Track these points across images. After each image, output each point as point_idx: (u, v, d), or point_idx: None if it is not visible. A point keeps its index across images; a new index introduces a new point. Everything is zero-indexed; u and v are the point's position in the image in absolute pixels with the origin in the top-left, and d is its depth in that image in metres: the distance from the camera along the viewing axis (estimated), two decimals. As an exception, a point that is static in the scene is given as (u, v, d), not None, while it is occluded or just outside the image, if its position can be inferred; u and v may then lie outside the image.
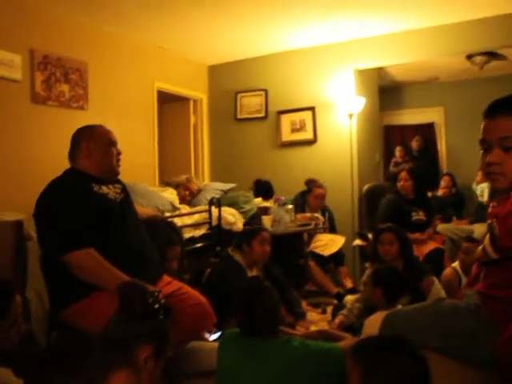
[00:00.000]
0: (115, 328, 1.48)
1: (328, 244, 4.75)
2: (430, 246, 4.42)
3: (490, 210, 1.72)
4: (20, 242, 2.69)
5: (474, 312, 1.65)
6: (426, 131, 8.18)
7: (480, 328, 1.61)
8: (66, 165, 2.62)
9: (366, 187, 5.42)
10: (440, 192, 6.87)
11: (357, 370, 1.34)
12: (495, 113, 1.54)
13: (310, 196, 4.98)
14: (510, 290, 1.57)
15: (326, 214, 5.06)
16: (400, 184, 4.68)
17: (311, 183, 5.03)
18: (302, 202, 4.90)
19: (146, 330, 1.48)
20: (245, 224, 4.11)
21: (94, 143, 2.53)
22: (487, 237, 1.66)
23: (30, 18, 4.03)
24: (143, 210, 3.12)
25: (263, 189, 4.97)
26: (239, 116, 6.01)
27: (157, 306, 1.54)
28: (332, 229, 5.05)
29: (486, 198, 5.93)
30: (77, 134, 2.60)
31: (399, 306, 2.58)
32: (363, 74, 5.65)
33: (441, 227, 5.23)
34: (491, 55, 6.04)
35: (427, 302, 1.95)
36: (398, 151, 7.87)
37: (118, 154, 2.62)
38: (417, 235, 4.39)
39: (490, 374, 1.60)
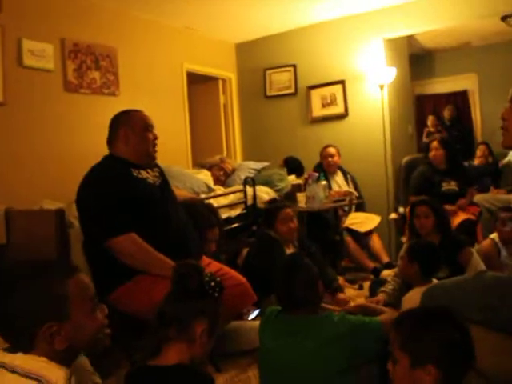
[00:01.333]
0: (171, 305, 1.55)
1: (364, 222, 4.74)
2: (461, 216, 4.35)
3: None
4: (62, 230, 2.76)
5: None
6: (460, 99, 7.98)
7: None
8: (101, 151, 2.67)
9: (405, 159, 5.36)
10: (476, 161, 6.71)
11: (398, 340, 1.35)
12: None
13: (323, 161, 5.00)
14: None
15: (349, 177, 5.04)
16: (432, 154, 4.62)
17: (322, 149, 5.05)
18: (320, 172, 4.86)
19: (201, 306, 1.55)
20: (269, 202, 4.08)
21: (131, 129, 2.57)
22: None
23: (58, 6, 4.07)
24: (180, 192, 3.17)
25: (293, 166, 4.97)
26: (269, 93, 5.98)
27: (213, 283, 1.60)
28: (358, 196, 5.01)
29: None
30: (115, 120, 2.63)
31: (434, 281, 2.57)
32: (393, 44, 5.53)
33: (478, 197, 5.12)
34: (527, 16, 5.82)
35: (468, 275, 1.93)
36: (429, 120, 7.72)
37: (155, 138, 2.65)
38: (447, 206, 4.33)
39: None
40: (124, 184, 2.43)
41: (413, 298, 2.32)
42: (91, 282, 1.39)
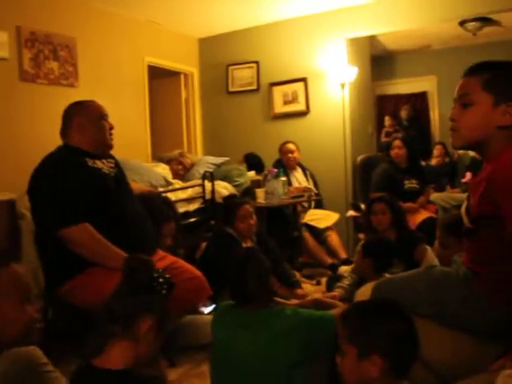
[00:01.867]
0: (118, 300, 1.51)
1: (322, 218, 4.79)
2: (423, 215, 4.45)
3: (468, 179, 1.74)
4: (13, 221, 2.70)
5: (464, 280, 1.66)
6: (419, 100, 8.15)
7: (470, 296, 1.63)
8: (57, 143, 2.62)
9: (360, 158, 5.42)
10: (433, 161, 6.87)
11: (345, 333, 1.36)
12: (464, 74, 1.63)
13: (283, 157, 5.03)
14: (490, 267, 1.57)
15: (308, 173, 5.08)
16: (394, 152, 4.70)
17: (281, 144, 5.08)
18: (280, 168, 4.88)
19: (148, 303, 1.51)
20: (225, 199, 4.07)
21: (86, 118, 2.53)
22: (464, 205, 1.68)
23: (16, -7, 3.96)
24: (137, 185, 3.13)
25: (253, 163, 4.98)
26: (231, 89, 5.96)
27: (161, 280, 1.58)
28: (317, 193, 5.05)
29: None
30: (68, 110, 2.59)
31: (387, 276, 2.61)
32: (355, 43, 5.59)
33: (434, 196, 5.26)
34: (484, 21, 5.95)
35: (418, 269, 1.96)
36: (387, 120, 7.86)
37: (111, 128, 2.62)
38: (409, 204, 4.43)
39: (480, 339, 1.63)
40: (78, 173, 2.39)
41: (365, 293, 2.34)
42: (29, 275, 1.35)
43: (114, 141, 2.66)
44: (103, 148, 2.61)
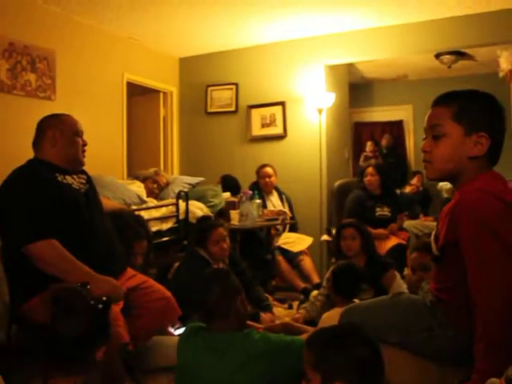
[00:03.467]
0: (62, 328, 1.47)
1: (296, 241, 4.80)
2: (393, 241, 4.50)
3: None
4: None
5: (431, 308, 1.67)
6: (395, 128, 8.28)
7: (436, 324, 1.64)
8: (29, 155, 2.57)
9: (337, 183, 5.46)
10: (407, 189, 6.96)
11: (309, 360, 1.35)
12: (433, 104, 1.64)
13: (260, 180, 5.04)
14: (454, 293, 1.59)
15: (284, 197, 5.10)
16: (367, 179, 4.75)
17: (258, 168, 5.10)
18: (256, 190, 4.89)
19: (97, 333, 1.49)
20: (199, 220, 4.03)
21: (59, 132, 2.48)
22: (433, 233, 1.70)
23: (-5, 4, 3.94)
24: (109, 202, 3.10)
25: (230, 185, 4.97)
26: (209, 110, 5.98)
27: (100, 305, 1.54)
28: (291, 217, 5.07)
29: (445, 194, 6.09)
30: (42, 122, 2.55)
31: (357, 301, 2.62)
32: (333, 70, 5.69)
33: (407, 223, 5.30)
34: (459, 55, 6.15)
35: (385, 296, 1.97)
36: (368, 146, 7.96)
37: (84, 144, 2.58)
38: (380, 230, 4.47)
39: (444, 366, 1.64)
40: (47, 188, 2.35)
41: (331, 317, 2.35)
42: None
43: (87, 157, 2.62)
44: (74, 164, 2.56)
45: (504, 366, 1.22)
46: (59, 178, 2.43)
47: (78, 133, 2.55)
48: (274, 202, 5.03)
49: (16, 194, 2.32)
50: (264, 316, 3.44)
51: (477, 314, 1.45)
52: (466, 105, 1.57)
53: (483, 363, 1.39)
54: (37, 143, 2.52)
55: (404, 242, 4.60)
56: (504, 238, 1.41)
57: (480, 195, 1.47)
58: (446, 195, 6.19)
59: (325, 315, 2.60)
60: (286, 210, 4.97)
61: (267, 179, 5.02)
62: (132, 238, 2.89)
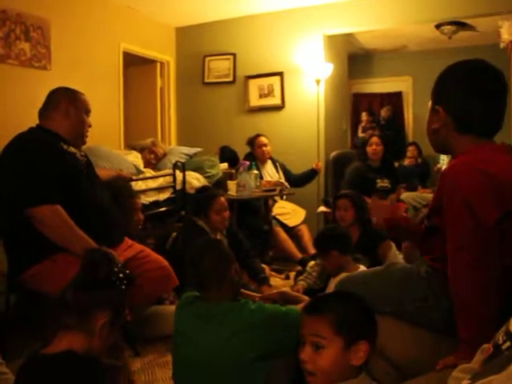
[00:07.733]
0: (74, 292, 1.48)
1: (291, 214, 4.81)
2: (392, 212, 4.50)
3: None
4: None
5: (425, 278, 1.69)
6: (394, 100, 8.21)
7: (430, 294, 1.65)
8: (27, 124, 2.56)
9: (333, 154, 5.45)
10: (406, 161, 6.95)
11: (324, 325, 1.35)
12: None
13: (255, 150, 5.01)
14: (447, 263, 1.58)
15: (278, 165, 5.09)
16: (372, 148, 4.73)
17: (253, 138, 5.07)
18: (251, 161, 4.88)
19: (105, 297, 1.49)
20: (199, 190, 4.04)
21: (74, 107, 2.53)
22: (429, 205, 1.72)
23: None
24: (104, 172, 3.09)
25: (229, 157, 4.95)
26: (207, 80, 5.92)
27: (121, 275, 1.55)
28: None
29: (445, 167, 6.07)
30: (57, 94, 2.57)
31: (362, 267, 2.66)
32: (332, 40, 5.62)
33: (404, 195, 5.32)
34: (460, 25, 6.05)
35: (380, 267, 1.98)
36: (364, 116, 7.93)
37: (89, 125, 2.65)
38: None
39: (439, 334, 1.66)
40: (53, 154, 2.37)
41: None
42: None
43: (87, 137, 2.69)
44: (78, 141, 2.61)
45: (485, 332, 1.27)
46: (65, 147, 2.46)
47: (88, 112, 2.62)
48: (270, 172, 5.01)
49: (21, 157, 2.33)
50: (264, 288, 3.49)
51: (450, 286, 1.48)
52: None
53: (464, 331, 1.43)
54: (46, 112, 2.53)
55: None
56: (479, 215, 1.42)
57: (462, 168, 1.49)
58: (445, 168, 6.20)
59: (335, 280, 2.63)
60: (282, 178, 4.96)
61: (264, 148, 5.00)
62: (128, 196, 2.95)
